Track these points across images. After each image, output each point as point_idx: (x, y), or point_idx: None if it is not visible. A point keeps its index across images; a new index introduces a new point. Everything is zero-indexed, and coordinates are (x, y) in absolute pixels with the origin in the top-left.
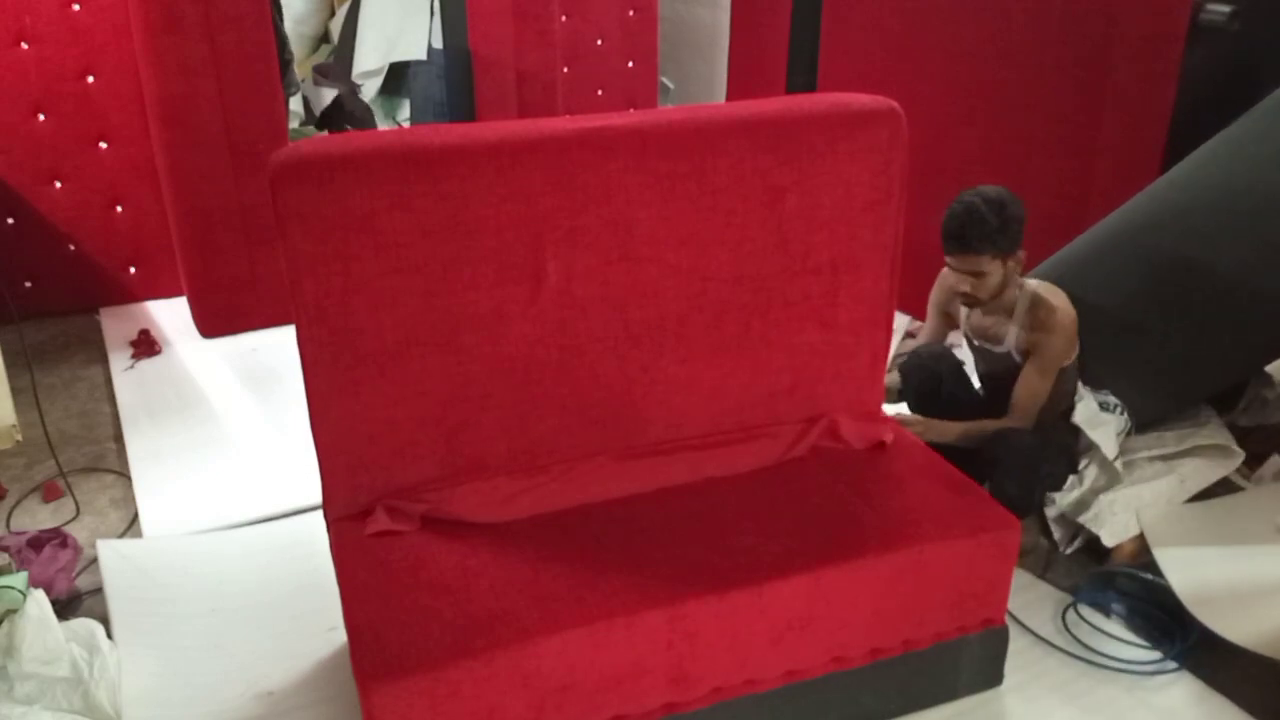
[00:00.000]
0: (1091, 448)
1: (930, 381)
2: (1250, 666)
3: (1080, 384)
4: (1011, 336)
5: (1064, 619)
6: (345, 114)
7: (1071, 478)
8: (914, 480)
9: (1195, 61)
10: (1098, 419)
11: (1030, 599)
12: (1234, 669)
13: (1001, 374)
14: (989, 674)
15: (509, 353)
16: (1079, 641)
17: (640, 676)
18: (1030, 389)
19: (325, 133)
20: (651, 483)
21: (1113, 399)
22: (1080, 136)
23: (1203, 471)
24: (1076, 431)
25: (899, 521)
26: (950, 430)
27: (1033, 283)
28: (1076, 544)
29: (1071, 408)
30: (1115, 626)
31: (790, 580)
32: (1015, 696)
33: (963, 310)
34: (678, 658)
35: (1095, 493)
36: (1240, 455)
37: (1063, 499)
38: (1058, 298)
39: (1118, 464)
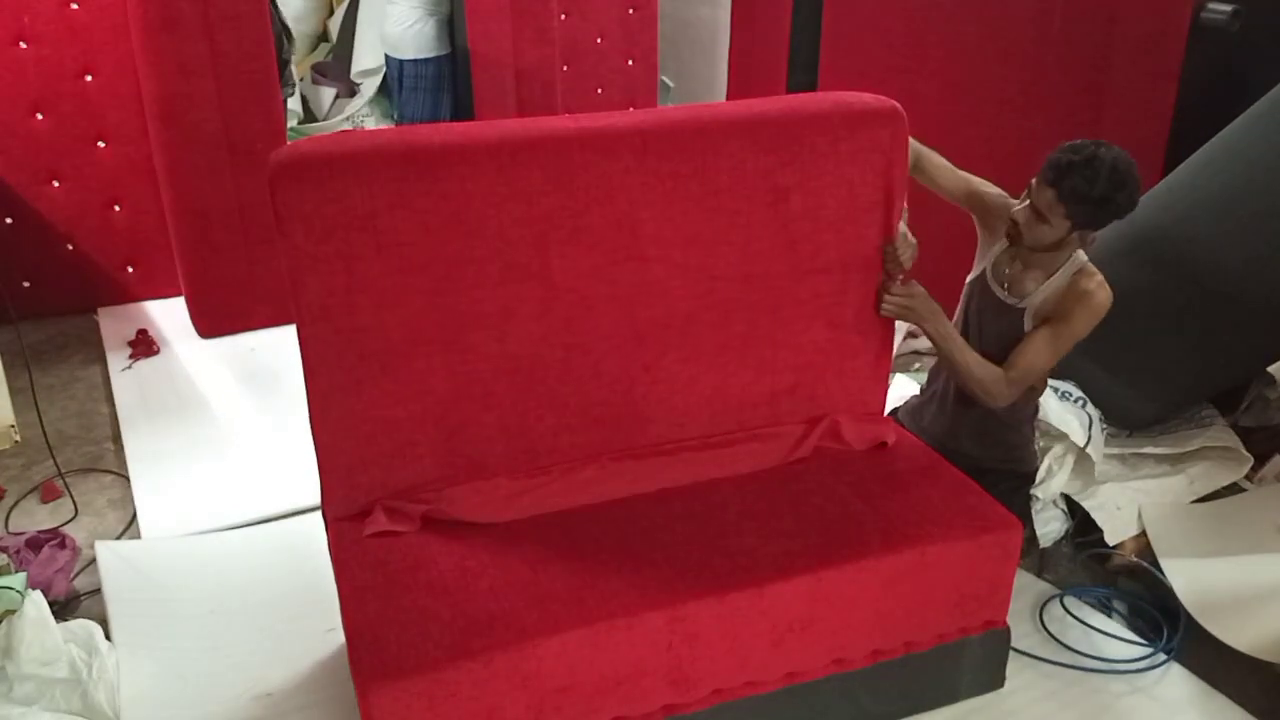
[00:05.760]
0: (1050, 450)
1: None
2: (1250, 664)
3: None
4: (1038, 296)
5: (1041, 616)
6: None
7: (1050, 464)
8: (915, 481)
9: (1195, 61)
10: (1061, 416)
11: (1030, 599)
12: (1234, 668)
13: (995, 336)
14: (990, 675)
15: (513, 351)
16: (1054, 638)
17: (640, 678)
18: (1036, 354)
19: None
20: (652, 484)
21: (1076, 390)
22: (1080, 136)
23: (1212, 474)
24: (1030, 444)
25: (900, 522)
26: (934, 320)
27: (1084, 256)
28: (1063, 534)
29: (1036, 410)
30: (1102, 621)
31: (791, 581)
32: (1017, 698)
33: (997, 249)
34: (678, 659)
35: (1094, 482)
36: (1249, 460)
37: (1046, 490)
38: (1103, 283)
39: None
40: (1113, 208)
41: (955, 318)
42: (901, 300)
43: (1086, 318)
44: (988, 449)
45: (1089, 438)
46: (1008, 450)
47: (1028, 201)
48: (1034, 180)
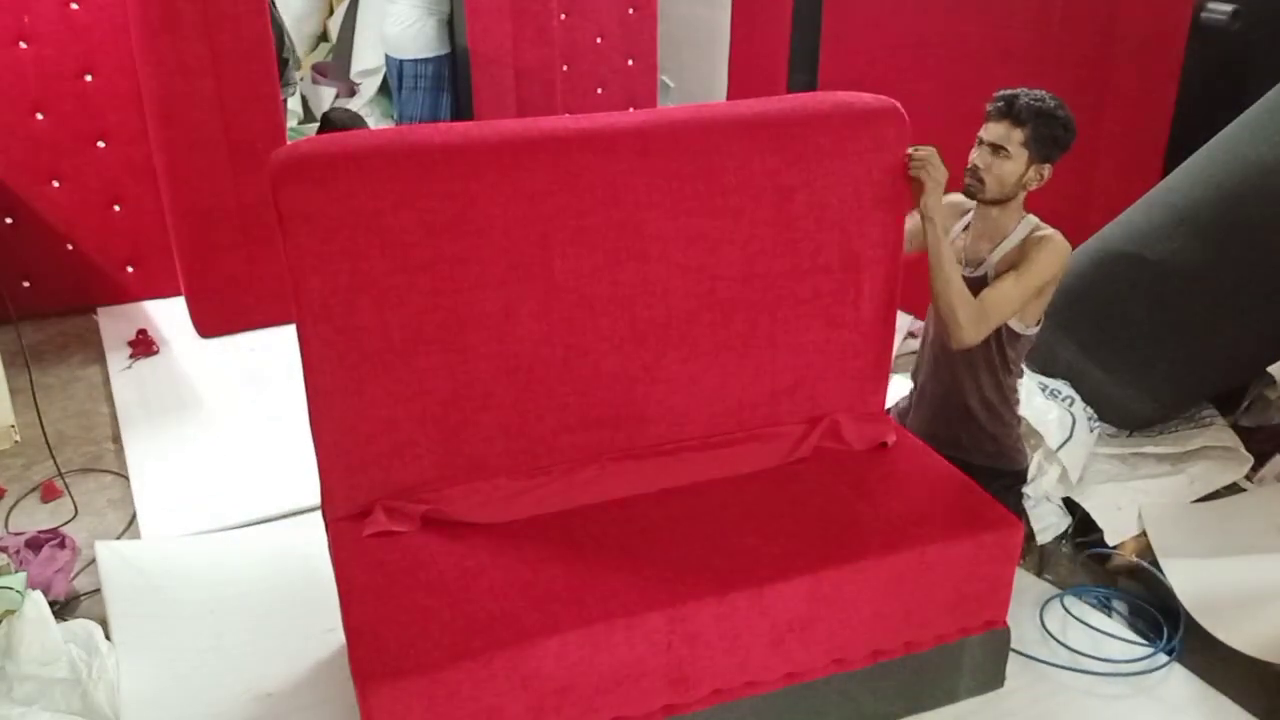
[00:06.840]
0: (1039, 448)
1: None
2: (1250, 665)
3: (1025, 367)
4: (995, 256)
5: (1041, 616)
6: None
7: (1040, 462)
8: (915, 481)
9: (1195, 61)
10: (1041, 416)
11: (1031, 599)
12: (1234, 668)
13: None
14: (990, 676)
15: (514, 350)
16: (1054, 638)
17: (640, 678)
18: (1003, 290)
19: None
20: (652, 484)
21: (1066, 389)
22: (1080, 136)
23: (1212, 474)
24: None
25: (900, 523)
26: (940, 216)
27: (1035, 219)
28: (1061, 530)
29: (1017, 401)
30: (1102, 621)
31: (791, 582)
32: (1017, 698)
33: (950, 238)
34: (678, 659)
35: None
36: (1249, 460)
37: (1037, 488)
38: (1059, 233)
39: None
40: (1061, 124)
41: (925, 325)
42: (935, 177)
43: (1049, 258)
44: (973, 442)
45: (1068, 437)
46: (995, 447)
47: (978, 151)
48: (980, 132)
